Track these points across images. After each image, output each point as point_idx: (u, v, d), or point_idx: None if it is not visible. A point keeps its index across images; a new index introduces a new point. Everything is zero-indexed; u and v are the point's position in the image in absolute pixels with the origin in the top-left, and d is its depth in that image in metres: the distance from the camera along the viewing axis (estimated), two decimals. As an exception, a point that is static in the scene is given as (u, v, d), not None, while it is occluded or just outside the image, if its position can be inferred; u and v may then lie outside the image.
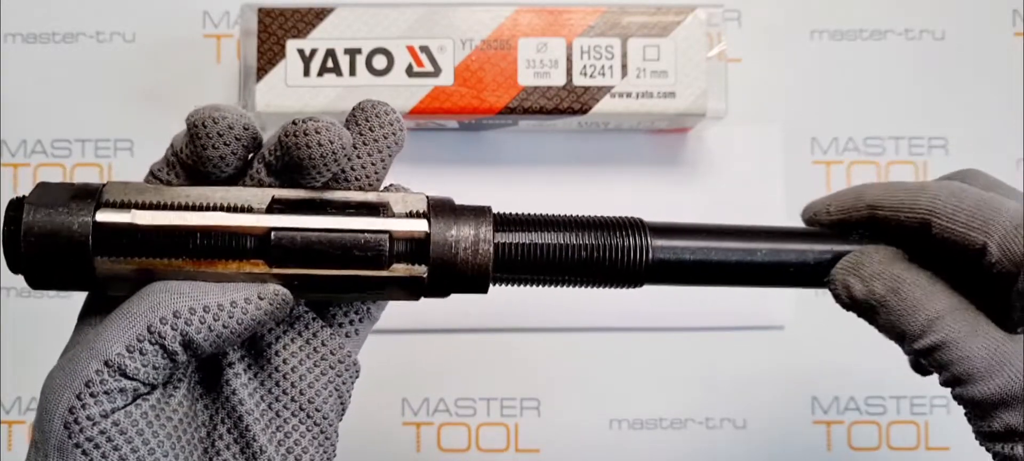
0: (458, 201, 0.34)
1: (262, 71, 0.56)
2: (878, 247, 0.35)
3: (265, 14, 0.56)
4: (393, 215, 0.32)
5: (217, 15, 0.62)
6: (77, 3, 0.62)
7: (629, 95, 0.57)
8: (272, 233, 0.31)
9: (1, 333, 0.60)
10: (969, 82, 0.63)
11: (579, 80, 0.57)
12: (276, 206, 0.32)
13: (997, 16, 0.64)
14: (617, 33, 0.57)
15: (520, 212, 0.35)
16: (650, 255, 0.35)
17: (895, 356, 0.62)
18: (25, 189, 0.61)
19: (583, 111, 0.57)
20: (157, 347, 0.29)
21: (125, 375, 0.28)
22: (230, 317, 0.29)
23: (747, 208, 0.61)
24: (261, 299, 0.30)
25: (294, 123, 0.31)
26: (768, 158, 0.62)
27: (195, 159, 0.31)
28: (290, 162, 0.31)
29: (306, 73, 0.56)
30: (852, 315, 0.61)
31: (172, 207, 0.31)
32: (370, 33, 0.56)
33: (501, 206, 0.35)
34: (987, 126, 0.63)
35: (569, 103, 0.57)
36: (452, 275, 0.32)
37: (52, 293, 0.60)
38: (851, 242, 0.36)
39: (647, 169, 0.61)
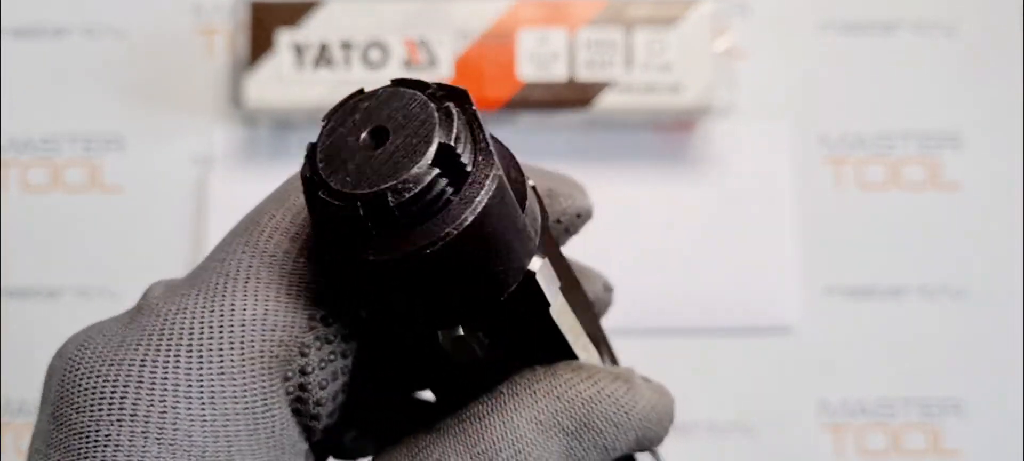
0: None
1: (254, 65, 0.55)
2: None
3: (257, 7, 0.55)
4: None
5: (209, 8, 0.61)
6: (66, -4, 0.61)
7: (633, 89, 0.55)
8: None
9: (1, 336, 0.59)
10: (981, 77, 0.62)
11: (581, 73, 0.55)
12: None
13: (1009, 10, 0.62)
14: (621, 25, 0.56)
15: None
16: None
17: (905, 358, 0.61)
18: (14, 188, 0.60)
19: (585, 105, 0.55)
20: None
21: None
22: None
23: (754, 206, 0.60)
24: None
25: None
26: (776, 154, 0.61)
27: None
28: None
29: (299, 67, 0.55)
30: (860, 315, 0.60)
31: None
32: (365, 26, 0.55)
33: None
34: (1000, 122, 0.62)
35: (571, 97, 0.55)
36: None
37: (44, 294, 0.59)
38: None
39: (652, 165, 0.60)
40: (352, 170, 0.19)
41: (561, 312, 0.22)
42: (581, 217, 0.25)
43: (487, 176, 0.19)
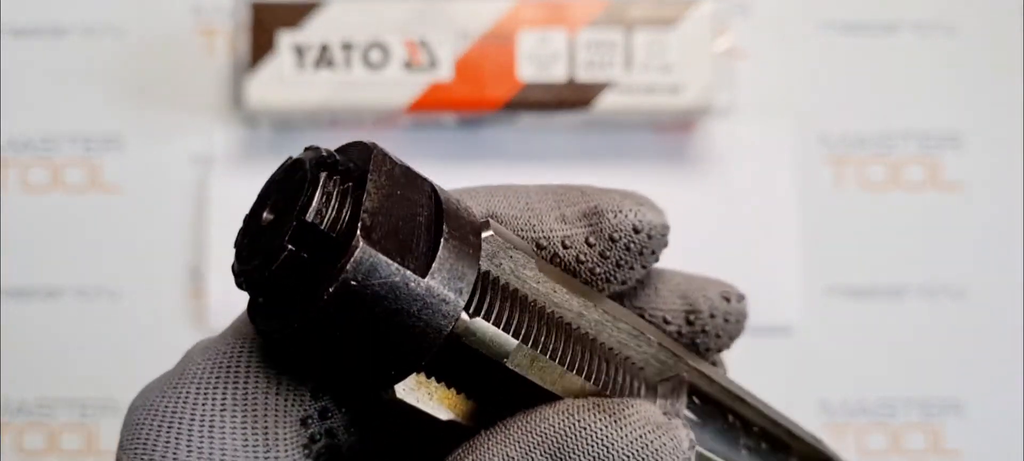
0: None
1: (255, 65, 0.55)
2: None
3: (258, 8, 0.55)
4: None
5: (209, 9, 0.61)
6: (66, -4, 0.61)
7: (633, 89, 0.55)
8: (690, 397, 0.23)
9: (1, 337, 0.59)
10: (981, 77, 0.62)
11: (581, 74, 0.55)
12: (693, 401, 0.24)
13: (1009, 9, 0.62)
14: (621, 25, 0.56)
15: None
16: None
17: (905, 358, 0.61)
18: (14, 188, 0.60)
19: (585, 106, 0.55)
20: None
21: None
22: None
23: (754, 207, 0.60)
24: None
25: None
26: (776, 155, 0.61)
27: (600, 272, 0.23)
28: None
29: (300, 68, 0.55)
30: (860, 315, 0.60)
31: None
32: (365, 27, 0.55)
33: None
34: (1000, 122, 0.61)
35: (571, 98, 0.55)
36: None
37: (44, 294, 0.59)
38: None
39: (652, 166, 0.60)
40: (252, 246, 0.20)
41: (525, 361, 0.21)
42: (640, 231, 0.23)
43: (348, 247, 0.18)
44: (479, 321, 0.20)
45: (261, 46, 0.55)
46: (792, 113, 0.61)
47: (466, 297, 0.20)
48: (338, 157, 0.20)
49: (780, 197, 0.60)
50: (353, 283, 0.18)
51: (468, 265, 0.20)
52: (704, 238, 0.60)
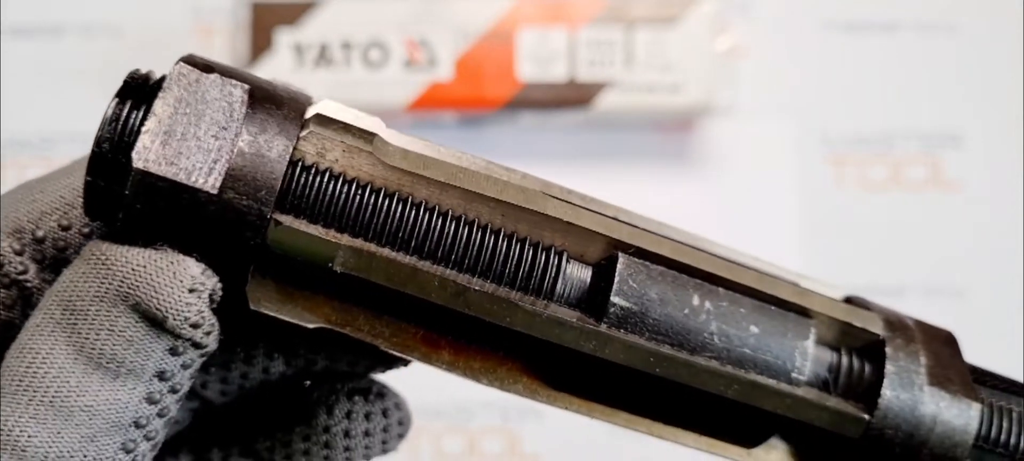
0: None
1: (254, 64, 0.55)
2: None
3: (258, 7, 0.55)
4: (820, 296, 0.22)
5: (208, 8, 0.61)
6: (64, -5, 0.61)
7: (634, 88, 0.55)
8: (620, 259, 0.22)
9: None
10: (982, 77, 0.62)
11: (582, 73, 0.55)
12: (625, 228, 0.23)
13: (1010, 10, 0.62)
14: (622, 24, 0.55)
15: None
16: None
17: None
18: (8, 187, 0.59)
19: (586, 105, 0.55)
20: None
21: None
22: None
23: (755, 206, 0.60)
24: None
25: None
26: (777, 154, 0.61)
27: None
28: None
29: (299, 66, 0.55)
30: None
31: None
32: (365, 25, 0.55)
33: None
34: (1001, 121, 0.61)
35: (571, 97, 0.55)
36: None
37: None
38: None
39: (652, 165, 0.60)
40: None
41: (354, 260, 0.21)
42: None
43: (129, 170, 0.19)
44: (289, 226, 0.20)
45: (260, 45, 0.55)
46: (793, 112, 0.61)
47: (271, 202, 0.20)
48: (136, 80, 0.21)
49: (781, 196, 0.60)
50: (138, 206, 0.19)
51: (273, 166, 0.20)
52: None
